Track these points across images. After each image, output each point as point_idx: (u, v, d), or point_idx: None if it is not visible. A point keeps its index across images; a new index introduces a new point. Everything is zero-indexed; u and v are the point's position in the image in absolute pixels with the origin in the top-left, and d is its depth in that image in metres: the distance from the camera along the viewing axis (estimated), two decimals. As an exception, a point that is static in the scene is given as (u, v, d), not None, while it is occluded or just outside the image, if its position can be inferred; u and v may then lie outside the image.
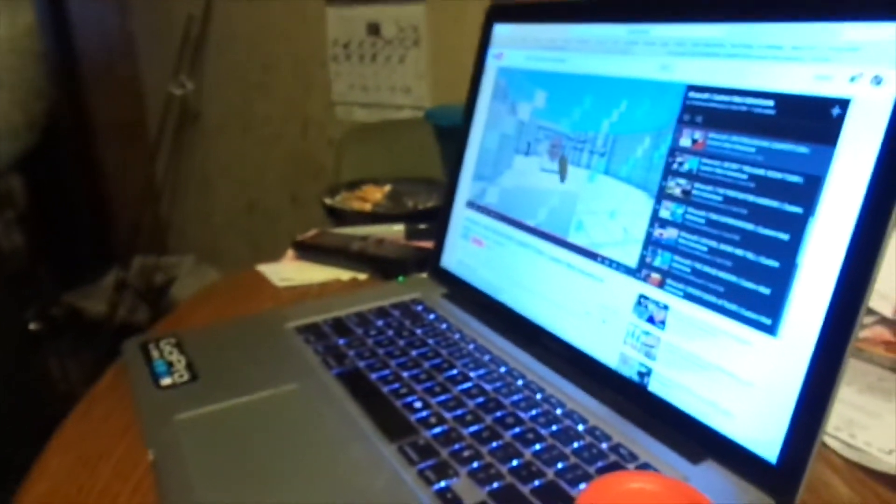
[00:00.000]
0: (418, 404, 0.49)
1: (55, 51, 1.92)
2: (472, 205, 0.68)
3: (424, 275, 0.74)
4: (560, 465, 0.42)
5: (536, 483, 0.41)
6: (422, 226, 0.87)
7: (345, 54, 1.99)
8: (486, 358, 0.56)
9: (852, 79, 0.38)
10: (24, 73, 1.37)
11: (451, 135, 1.03)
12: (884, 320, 0.61)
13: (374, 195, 1.01)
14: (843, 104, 0.38)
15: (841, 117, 0.38)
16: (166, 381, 0.53)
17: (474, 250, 0.67)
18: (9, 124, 1.36)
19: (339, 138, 1.69)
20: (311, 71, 2.11)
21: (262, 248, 2.55)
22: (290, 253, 0.84)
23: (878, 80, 0.37)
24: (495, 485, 0.41)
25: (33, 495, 0.44)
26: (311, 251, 0.82)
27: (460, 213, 0.69)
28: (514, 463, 0.42)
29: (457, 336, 0.60)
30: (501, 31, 0.67)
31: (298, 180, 2.32)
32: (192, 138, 2.54)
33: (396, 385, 0.52)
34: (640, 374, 0.48)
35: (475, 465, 0.42)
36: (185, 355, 0.57)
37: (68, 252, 2.44)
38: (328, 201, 0.97)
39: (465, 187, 0.69)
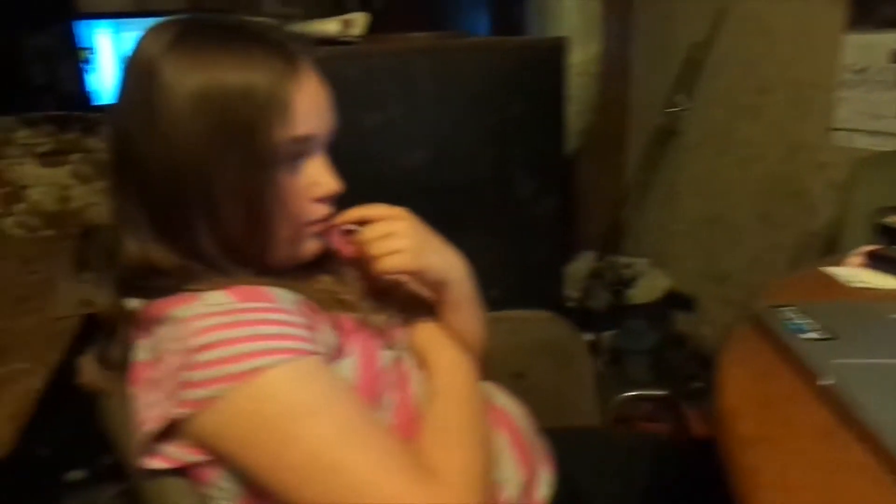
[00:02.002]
0: None
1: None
2: None
3: None
4: None
5: None
6: None
7: (859, 80, 1.97)
8: None
9: None
10: (587, 91, 1.71)
11: None
12: None
13: (932, 220, 1.05)
14: None
15: None
16: (808, 335, 0.69)
17: None
18: (569, 131, 1.72)
19: (855, 164, 1.70)
20: (811, 95, 2.13)
21: (717, 260, 2.65)
22: (855, 260, 0.95)
23: None
24: None
25: (729, 391, 0.63)
26: (883, 261, 0.91)
27: None
28: None
29: None
30: None
31: (772, 202, 2.36)
32: (666, 153, 2.77)
33: None
34: None
35: None
36: (811, 320, 0.72)
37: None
38: (886, 221, 1.04)
39: None
